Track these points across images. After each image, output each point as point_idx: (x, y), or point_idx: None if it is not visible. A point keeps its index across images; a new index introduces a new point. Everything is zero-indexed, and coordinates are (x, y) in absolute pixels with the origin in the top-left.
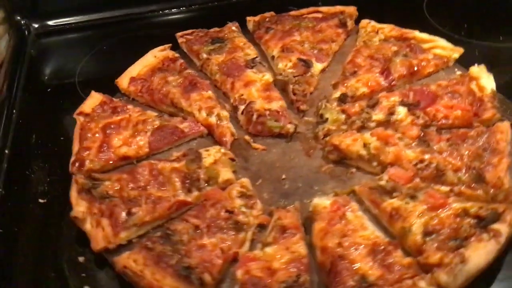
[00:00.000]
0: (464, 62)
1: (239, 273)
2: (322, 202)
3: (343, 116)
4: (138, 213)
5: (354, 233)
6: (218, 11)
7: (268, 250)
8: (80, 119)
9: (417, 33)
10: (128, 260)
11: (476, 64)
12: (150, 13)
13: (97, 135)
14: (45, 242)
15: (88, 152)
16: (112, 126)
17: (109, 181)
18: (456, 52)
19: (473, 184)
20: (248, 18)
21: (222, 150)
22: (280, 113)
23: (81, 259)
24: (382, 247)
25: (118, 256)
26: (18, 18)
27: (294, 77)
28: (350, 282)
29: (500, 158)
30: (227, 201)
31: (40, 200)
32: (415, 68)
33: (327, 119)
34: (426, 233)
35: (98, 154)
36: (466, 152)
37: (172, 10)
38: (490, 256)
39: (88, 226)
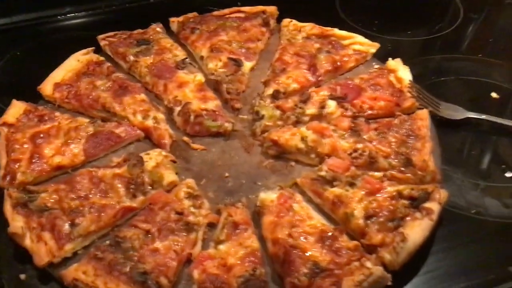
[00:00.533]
0: (379, 56)
1: (196, 273)
2: (269, 196)
3: (278, 112)
4: (82, 223)
5: (302, 223)
6: (136, 12)
7: (222, 247)
8: (4, 130)
9: (336, 31)
10: (77, 272)
11: (390, 58)
12: (66, 15)
13: (25, 145)
14: None
15: (18, 164)
16: (42, 135)
17: (46, 193)
18: (373, 47)
19: (403, 168)
20: (171, 19)
21: (163, 153)
22: (217, 112)
23: (22, 276)
24: (329, 233)
25: (65, 270)
26: None
27: (227, 76)
28: (304, 270)
29: (423, 143)
30: (175, 203)
31: None
32: (338, 64)
33: (263, 115)
34: (367, 216)
35: (29, 166)
36: (393, 140)
37: (89, 11)
38: (426, 232)
39: (28, 242)
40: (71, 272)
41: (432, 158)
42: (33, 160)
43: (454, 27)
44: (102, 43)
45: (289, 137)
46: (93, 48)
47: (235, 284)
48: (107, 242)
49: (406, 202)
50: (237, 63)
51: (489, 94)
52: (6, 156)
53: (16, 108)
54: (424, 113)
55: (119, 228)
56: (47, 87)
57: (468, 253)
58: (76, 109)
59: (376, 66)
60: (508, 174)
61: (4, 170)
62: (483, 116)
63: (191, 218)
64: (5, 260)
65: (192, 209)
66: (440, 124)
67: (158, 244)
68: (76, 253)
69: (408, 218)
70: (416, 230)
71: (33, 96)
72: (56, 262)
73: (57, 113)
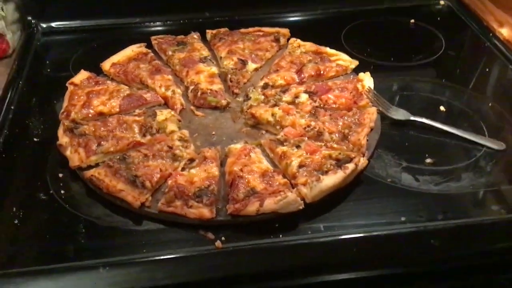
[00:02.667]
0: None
1: (169, 181)
2: (235, 146)
3: (262, 97)
4: (105, 145)
5: (252, 164)
6: (187, 26)
7: (192, 171)
8: (71, 87)
9: (328, 49)
10: (93, 172)
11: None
12: (134, 24)
13: (82, 97)
14: (36, 165)
15: (74, 107)
16: (94, 93)
17: (87, 126)
18: (353, 63)
19: (340, 142)
20: (207, 30)
21: (172, 113)
22: (218, 92)
23: (60, 174)
24: (270, 173)
25: (87, 171)
26: (29, 18)
27: (232, 70)
28: (242, 190)
29: (362, 128)
30: (169, 141)
31: (35, 139)
32: (321, 71)
33: (250, 97)
34: (300, 166)
35: (81, 109)
36: (340, 123)
37: (151, 23)
38: (337, 180)
39: (68, 152)
40: (90, 172)
41: (365, 140)
42: (84, 106)
43: (435, 57)
44: (153, 41)
45: (263, 112)
46: (145, 43)
47: (193, 190)
48: (118, 157)
49: (332, 162)
50: (243, 62)
51: (439, 107)
52: (67, 102)
53: (82, 75)
54: (372, 109)
55: (129, 151)
56: (106, 65)
57: (372, 204)
58: (122, 81)
59: (352, 77)
60: (428, 160)
61: (64, 110)
62: (423, 119)
63: (177, 152)
64: (51, 164)
65: (180, 148)
66: (388, 123)
67: (150, 163)
68: (97, 164)
69: (330, 172)
70: (331, 177)
71: (96, 71)
72: (83, 166)
73: (108, 82)
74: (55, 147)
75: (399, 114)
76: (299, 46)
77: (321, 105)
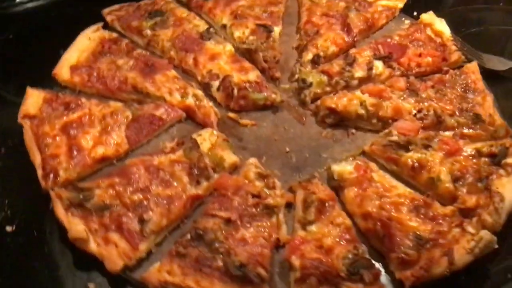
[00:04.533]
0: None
1: (294, 259)
2: (344, 168)
3: (325, 78)
4: (152, 218)
5: (389, 193)
6: None
7: (313, 228)
8: (27, 123)
9: None
10: (161, 273)
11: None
12: None
13: (58, 138)
14: (34, 276)
15: (57, 160)
16: (74, 125)
17: (100, 189)
18: (400, 1)
19: (472, 125)
20: None
21: (215, 132)
22: (260, 84)
23: (91, 286)
24: (421, 201)
25: (147, 272)
26: None
27: (262, 43)
28: (408, 242)
29: (483, 97)
30: (248, 185)
31: (8, 228)
32: (370, 22)
33: (311, 83)
34: (455, 179)
35: (70, 161)
36: (452, 96)
37: None
38: None
39: (93, 246)
40: (155, 273)
41: (496, 111)
42: (73, 154)
43: None
44: (108, 18)
45: (347, 103)
46: (102, 23)
47: (342, 267)
48: (188, 236)
49: (487, 160)
50: (268, 29)
51: None
52: (39, 153)
53: (34, 98)
54: (474, 66)
55: (190, 219)
56: (63, 72)
57: None
58: (101, 93)
59: (407, 22)
60: None
61: (43, 169)
62: None
63: (269, 200)
64: (66, 269)
65: (266, 191)
66: (484, 76)
67: (244, 233)
68: (150, 252)
69: (493, 176)
70: (509, 188)
71: (41, 80)
72: (131, 265)
73: (83, 99)
74: (58, 241)
75: (496, 62)
76: None
77: (405, 72)
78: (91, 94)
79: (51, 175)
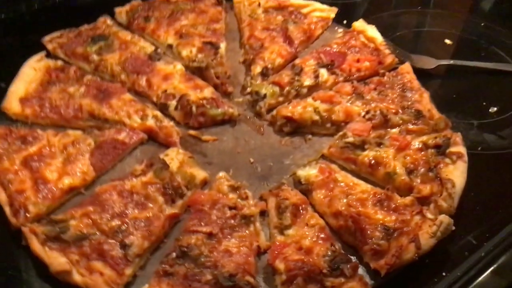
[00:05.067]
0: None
1: (278, 263)
2: (310, 172)
3: (277, 89)
4: (134, 242)
5: (353, 191)
6: (64, 9)
7: (290, 232)
8: None
9: (292, 1)
10: None
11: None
12: None
13: (20, 173)
14: None
15: (23, 195)
16: (35, 158)
17: (74, 219)
18: (332, 12)
19: (415, 121)
20: (117, 9)
21: (180, 151)
22: (216, 100)
23: None
24: (383, 195)
25: None
26: None
27: (212, 60)
28: (377, 234)
29: (420, 94)
30: (223, 198)
31: None
32: (308, 33)
33: (265, 94)
34: (408, 172)
35: (37, 194)
36: (393, 96)
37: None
38: (464, 175)
39: (77, 277)
40: None
41: (434, 106)
42: (38, 188)
43: None
44: (50, 46)
45: (302, 110)
46: (44, 52)
47: (323, 264)
48: (173, 255)
49: (433, 151)
50: (215, 46)
51: (443, 41)
52: (3, 190)
53: None
54: (407, 66)
55: (169, 238)
56: (12, 105)
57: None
58: (56, 123)
59: (340, 30)
60: (491, 109)
61: (12, 206)
62: (451, 62)
63: (245, 211)
64: None
65: (240, 201)
66: (417, 76)
67: (226, 244)
68: (135, 276)
69: (441, 165)
70: (457, 174)
71: None
72: None
73: (39, 131)
74: (37, 276)
75: (425, 61)
76: (258, 5)
77: (347, 78)
78: (45, 125)
79: (21, 211)
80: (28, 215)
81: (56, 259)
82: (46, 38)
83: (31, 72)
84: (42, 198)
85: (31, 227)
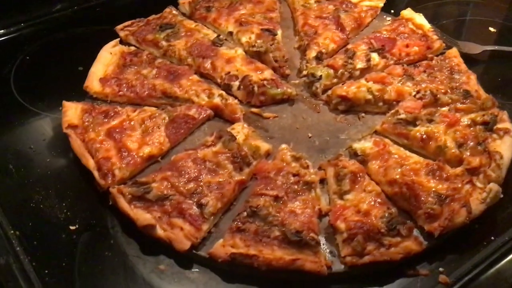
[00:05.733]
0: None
1: (339, 223)
2: (365, 144)
3: (331, 71)
4: (209, 202)
5: (406, 162)
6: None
7: (349, 197)
8: (71, 133)
9: None
10: (226, 248)
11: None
12: (59, 13)
13: (105, 143)
14: (105, 263)
15: (109, 161)
16: (117, 130)
17: (155, 182)
18: (380, 1)
19: (463, 100)
20: (180, 1)
21: (245, 125)
22: (276, 80)
23: (162, 267)
24: (434, 166)
25: (212, 248)
26: None
27: (271, 45)
28: (431, 199)
29: (467, 76)
30: (287, 167)
31: (71, 227)
32: (359, 21)
33: (320, 76)
34: (458, 145)
35: (122, 161)
36: (442, 77)
37: (82, 5)
38: (511, 148)
39: (160, 232)
40: (220, 248)
41: (480, 86)
42: (123, 155)
43: None
44: (121, 33)
45: (356, 90)
46: (119, 39)
47: (381, 224)
48: (244, 214)
49: (481, 127)
50: (272, 33)
51: (488, 29)
52: (91, 157)
53: (72, 109)
54: (454, 51)
55: (237, 202)
56: (93, 84)
57: None
58: (132, 101)
59: (388, 19)
60: None
61: (100, 170)
62: (496, 47)
63: (307, 177)
64: (135, 256)
65: (302, 170)
66: (463, 60)
67: (291, 206)
68: (209, 232)
69: (489, 140)
70: (504, 148)
71: (68, 95)
72: (197, 244)
73: (118, 107)
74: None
75: (471, 47)
76: None
77: (397, 61)
78: (123, 103)
79: (109, 175)
80: (114, 178)
81: (142, 215)
82: (119, 27)
83: (108, 56)
84: (125, 164)
85: (119, 188)
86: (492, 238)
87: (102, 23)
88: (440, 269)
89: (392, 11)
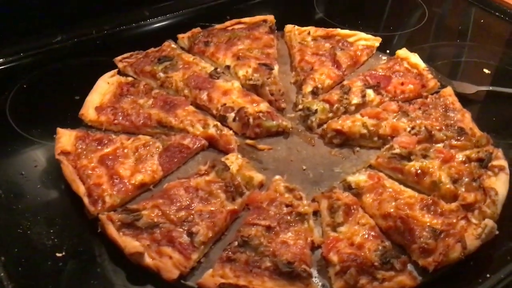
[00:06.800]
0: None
1: (332, 255)
2: (359, 178)
3: (327, 106)
4: (200, 231)
5: (401, 196)
6: (128, 36)
7: (342, 229)
8: (63, 160)
9: (339, 30)
10: (215, 278)
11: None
12: (59, 44)
13: (97, 170)
14: None
15: (100, 188)
16: (110, 157)
17: (146, 210)
18: (376, 41)
19: (458, 137)
20: (179, 35)
21: (239, 156)
22: (271, 113)
23: None
24: (429, 201)
25: (201, 278)
26: None
27: (267, 79)
28: (425, 234)
29: (462, 114)
30: (280, 197)
31: (58, 254)
32: (354, 59)
33: (316, 110)
34: (453, 181)
35: (113, 188)
36: (437, 115)
37: (81, 38)
38: (507, 185)
39: (149, 260)
40: (209, 278)
41: (475, 124)
42: (114, 182)
43: (424, 21)
44: (120, 65)
45: (351, 124)
46: (117, 69)
47: (374, 258)
48: (235, 243)
49: (476, 164)
50: (269, 67)
51: (482, 70)
52: (81, 183)
53: (66, 136)
54: (449, 90)
55: (229, 232)
56: (89, 112)
57: None
58: (127, 130)
59: (384, 58)
60: None
61: (90, 197)
62: (491, 88)
63: (300, 209)
64: (120, 286)
65: (295, 201)
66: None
67: (283, 237)
68: (199, 262)
69: (483, 177)
70: (499, 184)
71: (63, 123)
72: (185, 273)
73: (113, 135)
74: (110, 261)
75: (464, 87)
76: (308, 33)
77: (392, 99)
78: (117, 131)
79: (99, 201)
80: (104, 205)
81: (130, 243)
82: (118, 58)
83: (105, 85)
84: (116, 191)
85: (108, 215)
86: (488, 275)
87: (101, 55)
88: None
89: (388, 51)
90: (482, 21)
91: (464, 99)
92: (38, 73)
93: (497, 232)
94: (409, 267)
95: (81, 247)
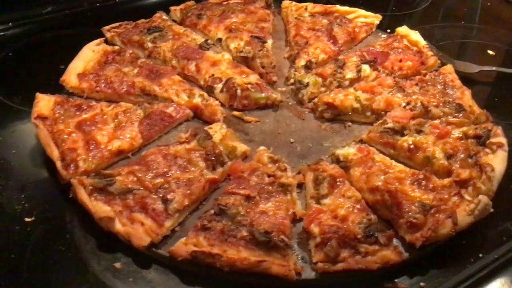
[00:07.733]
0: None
1: (313, 227)
2: (348, 151)
3: (320, 79)
4: (175, 198)
5: (391, 170)
6: (118, 9)
7: (326, 201)
8: (39, 124)
9: (338, 7)
10: (188, 246)
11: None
12: (48, 15)
13: (73, 135)
14: (57, 258)
15: (75, 152)
16: (88, 123)
17: (121, 176)
18: (376, 18)
19: (456, 114)
20: (172, 7)
21: (224, 126)
22: (261, 85)
23: (117, 265)
24: (421, 175)
25: (174, 247)
26: None
27: (259, 51)
28: (414, 209)
29: (462, 91)
30: (263, 167)
31: (27, 219)
32: (352, 35)
33: (308, 83)
34: (448, 157)
35: (88, 153)
36: (434, 91)
37: (72, 9)
38: (504, 162)
39: (119, 226)
40: (182, 247)
41: (475, 103)
42: (90, 147)
43: (429, 2)
44: (108, 34)
45: (343, 98)
46: (104, 38)
47: (358, 230)
48: (211, 211)
49: (473, 141)
50: (262, 40)
51: (486, 52)
52: (56, 148)
53: (45, 101)
54: (449, 67)
55: (208, 201)
56: (71, 78)
57: None
58: (109, 98)
59: (383, 36)
60: None
61: (63, 161)
62: (494, 68)
63: (283, 180)
64: (90, 252)
65: (279, 172)
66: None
67: (263, 207)
68: (173, 230)
69: (481, 154)
70: (497, 161)
71: (45, 90)
72: (157, 241)
73: (93, 102)
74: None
75: (467, 66)
76: (305, 9)
77: (389, 75)
78: (99, 99)
79: (72, 165)
80: (77, 169)
81: (101, 207)
82: (106, 28)
83: (90, 53)
84: (92, 157)
85: (80, 179)
86: (480, 255)
87: (92, 27)
88: (421, 284)
89: (389, 30)
90: (489, 4)
91: (466, 79)
92: (25, 42)
93: (491, 210)
94: (395, 242)
95: (52, 213)
